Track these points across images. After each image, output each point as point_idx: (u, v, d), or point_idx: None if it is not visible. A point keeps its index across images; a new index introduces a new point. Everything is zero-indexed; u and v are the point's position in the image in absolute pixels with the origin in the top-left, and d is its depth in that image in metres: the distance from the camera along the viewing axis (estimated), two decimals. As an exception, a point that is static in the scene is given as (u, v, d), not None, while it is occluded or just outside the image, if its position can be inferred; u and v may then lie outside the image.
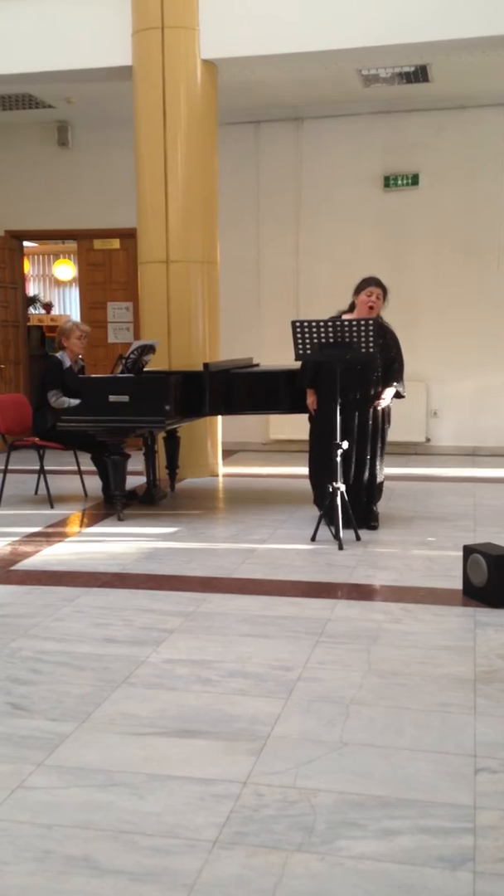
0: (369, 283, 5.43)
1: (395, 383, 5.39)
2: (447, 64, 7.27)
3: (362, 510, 5.43)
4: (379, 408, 5.35)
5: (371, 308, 5.36)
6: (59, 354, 6.48)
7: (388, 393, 5.39)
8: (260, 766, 2.54)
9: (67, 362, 6.40)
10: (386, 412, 5.46)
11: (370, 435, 5.37)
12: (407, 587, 4.35)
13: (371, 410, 5.34)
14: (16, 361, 9.76)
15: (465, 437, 8.85)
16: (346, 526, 5.12)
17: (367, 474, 5.41)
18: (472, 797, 2.36)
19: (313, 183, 8.93)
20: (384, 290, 5.43)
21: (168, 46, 6.79)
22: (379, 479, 5.48)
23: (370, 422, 5.35)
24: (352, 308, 5.46)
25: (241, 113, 8.58)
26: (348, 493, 5.24)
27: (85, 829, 2.23)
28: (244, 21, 6.75)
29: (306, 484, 5.73)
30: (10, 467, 6.50)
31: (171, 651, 3.46)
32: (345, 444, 5.11)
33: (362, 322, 5.02)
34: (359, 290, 5.45)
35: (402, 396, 5.52)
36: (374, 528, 5.46)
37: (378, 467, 5.44)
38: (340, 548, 5.00)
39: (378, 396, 5.34)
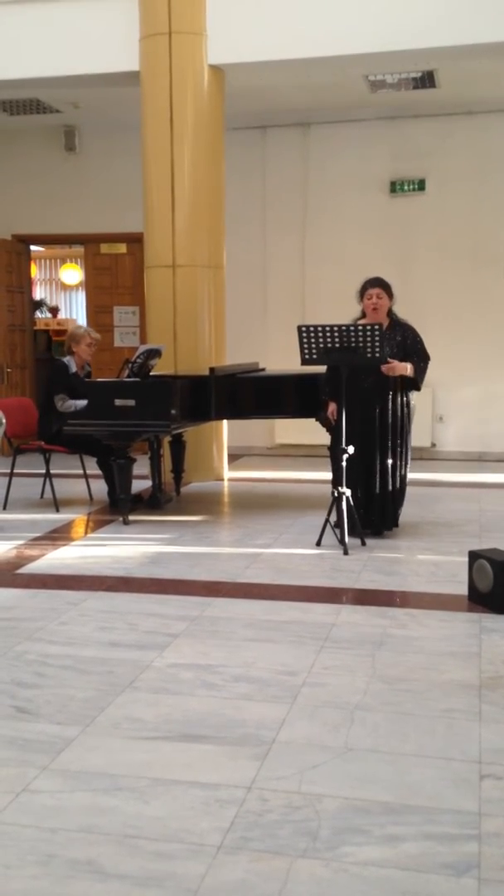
0: (366, 286, 5.38)
1: (411, 366, 5.25)
2: (454, 70, 7.28)
3: (382, 514, 5.37)
4: (389, 373, 5.17)
5: (375, 309, 5.33)
6: (66, 359, 6.49)
7: (403, 366, 5.20)
8: (264, 771, 2.54)
9: (74, 367, 6.41)
10: (404, 413, 5.34)
11: (383, 437, 5.29)
12: (412, 592, 4.35)
13: (382, 414, 5.27)
14: (22, 366, 9.77)
15: (471, 443, 8.84)
16: (351, 531, 5.11)
17: (389, 479, 5.30)
18: (478, 804, 2.35)
19: (320, 188, 8.94)
20: (385, 286, 5.36)
21: (175, 52, 6.81)
22: (396, 485, 5.36)
23: (378, 425, 5.30)
24: (363, 315, 5.43)
25: (248, 118, 8.60)
26: (370, 499, 5.24)
27: (89, 834, 2.22)
28: (251, 26, 6.76)
29: (311, 488, 5.74)
30: (15, 471, 6.50)
31: (176, 655, 3.46)
32: (350, 449, 5.10)
33: (368, 327, 5.01)
34: (360, 296, 5.40)
35: (418, 388, 5.40)
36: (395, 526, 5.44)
37: (398, 470, 5.34)
38: (346, 553, 4.99)
39: (389, 367, 5.17)
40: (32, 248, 10.48)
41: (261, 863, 2.10)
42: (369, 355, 5.02)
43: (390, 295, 5.37)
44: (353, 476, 5.23)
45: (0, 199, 9.55)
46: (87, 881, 2.04)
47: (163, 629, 3.77)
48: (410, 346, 5.32)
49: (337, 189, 8.89)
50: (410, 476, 5.51)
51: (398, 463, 5.34)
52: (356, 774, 2.51)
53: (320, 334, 5.05)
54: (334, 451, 5.35)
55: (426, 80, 7.56)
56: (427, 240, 8.76)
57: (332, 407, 5.38)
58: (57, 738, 2.75)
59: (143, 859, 2.12)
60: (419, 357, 5.34)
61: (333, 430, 5.47)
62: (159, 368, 6.47)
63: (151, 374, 6.24)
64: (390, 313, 5.39)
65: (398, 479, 5.36)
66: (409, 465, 5.45)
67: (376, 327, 5.00)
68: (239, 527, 5.89)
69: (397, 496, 5.40)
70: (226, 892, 2.00)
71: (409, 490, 5.56)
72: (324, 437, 5.92)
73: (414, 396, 5.45)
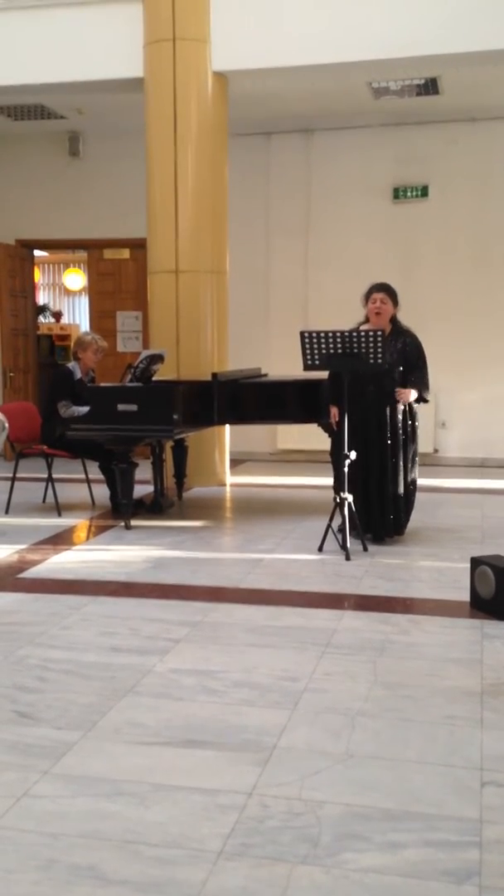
0: (372, 290, 5.41)
1: (413, 386, 5.28)
2: (457, 76, 7.29)
3: (389, 521, 5.37)
4: (399, 404, 5.23)
5: (378, 314, 5.34)
6: (70, 365, 6.51)
7: (409, 392, 5.25)
8: (265, 777, 2.54)
9: (78, 374, 6.42)
10: (408, 418, 5.36)
11: (389, 444, 5.29)
12: (414, 598, 4.34)
13: (386, 420, 5.29)
14: (25, 370, 9.79)
15: (474, 449, 8.83)
16: (353, 536, 5.11)
17: (390, 485, 5.31)
18: (479, 811, 2.35)
19: (323, 194, 8.95)
20: (390, 292, 5.37)
21: (179, 58, 6.82)
22: (401, 490, 5.37)
23: (380, 432, 5.30)
24: (367, 320, 5.44)
25: (251, 124, 8.61)
26: (372, 504, 5.24)
27: (90, 839, 2.22)
28: (255, 33, 6.78)
29: (313, 494, 5.73)
30: (18, 475, 6.51)
31: (178, 661, 3.46)
32: (352, 455, 5.11)
33: (371, 333, 5.02)
34: (365, 299, 5.42)
35: (426, 400, 5.44)
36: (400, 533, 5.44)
37: (402, 477, 5.35)
38: (348, 558, 4.99)
39: (395, 395, 5.22)
40: (36, 252, 10.50)
41: (261, 869, 2.10)
42: (371, 361, 5.03)
43: (395, 302, 5.39)
44: (355, 482, 5.23)
45: (4, 204, 9.58)
46: (88, 886, 2.04)
47: (164, 634, 3.77)
48: (411, 354, 5.32)
49: (340, 195, 8.90)
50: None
51: (402, 470, 5.34)
52: (357, 781, 2.51)
53: (322, 340, 5.07)
54: (336, 456, 5.36)
55: (429, 87, 7.58)
56: (430, 246, 8.77)
57: (334, 411, 5.39)
58: (58, 742, 2.75)
59: (143, 865, 2.12)
60: (420, 368, 5.34)
61: (335, 435, 5.47)
62: (162, 374, 6.48)
63: (154, 379, 6.25)
64: (394, 320, 5.40)
65: (402, 485, 5.36)
66: (416, 473, 5.45)
67: (379, 333, 5.02)
68: (241, 532, 5.89)
69: (401, 503, 5.39)
70: (226, 898, 2.00)
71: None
72: (326, 443, 5.93)
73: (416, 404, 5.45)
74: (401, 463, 5.33)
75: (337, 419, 5.33)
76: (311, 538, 5.43)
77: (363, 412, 5.23)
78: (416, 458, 5.46)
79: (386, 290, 5.37)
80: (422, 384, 5.33)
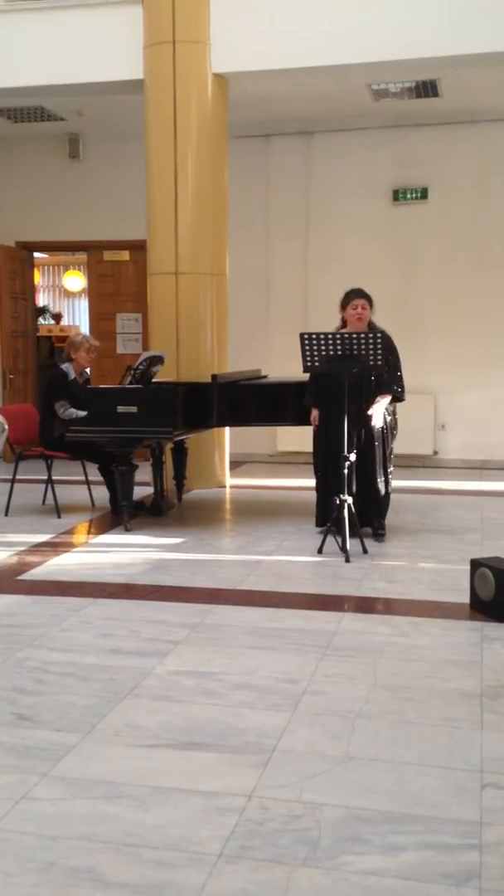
0: (351, 296, 5.50)
1: (386, 391, 5.38)
2: (457, 79, 7.29)
3: (365, 522, 5.42)
4: (372, 423, 5.33)
5: (359, 319, 5.42)
6: (64, 366, 6.51)
7: (379, 407, 5.35)
8: (265, 779, 2.53)
9: (72, 374, 6.42)
10: (387, 423, 5.45)
11: (367, 446, 5.37)
12: (414, 600, 4.34)
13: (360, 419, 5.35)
14: (25, 372, 9.79)
15: (473, 451, 8.82)
16: (353, 538, 5.11)
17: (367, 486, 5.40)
18: (479, 813, 2.35)
19: (323, 196, 8.96)
20: (369, 298, 5.50)
21: (179, 60, 6.83)
22: (382, 492, 5.46)
23: (363, 433, 5.37)
24: (344, 324, 5.50)
25: (251, 126, 8.62)
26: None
27: (89, 841, 2.22)
28: (255, 35, 6.78)
29: (313, 496, 5.72)
30: (17, 477, 6.50)
31: (177, 663, 3.46)
32: (352, 456, 5.11)
33: (370, 335, 5.05)
34: (344, 305, 5.52)
35: (402, 399, 5.51)
36: (381, 537, 5.45)
37: (380, 479, 5.43)
38: (347, 560, 4.99)
39: (367, 416, 5.31)
40: (36, 254, 10.49)
41: (261, 871, 2.10)
42: (371, 363, 5.07)
43: (372, 306, 5.51)
44: (332, 480, 5.25)
45: (4, 205, 9.59)
46: (87, 889, 2.04)
47: (164, 636, 3.76)
48: (384, 352, 5.34)
49: (340, 197, 8.90)
50: (412, 484, 5.53)
51: (376, 473, 5.39)
52: (357, 783, 2.51)
53: (322, 342, 5.09)
54: (317, 458, 5.50)
55: (429, 89, 7.58)
56: (429, 248, 8.77)
57: (314, 413, 5.50)
58: (57, 745, 2.75)
59: (143, 867, 2.12)
60: (393, 366, 5.40)
61: (316, 437, 5.58)
62: (162, 375, 6.48)
63: (154, 380, 6.25)
64: (369, 323, 5.49)
65: (376, 488, 5.42)
66: (390, 475, 5.49)
67: (378, 335, 5.05)
68: (241, 534, 5.89)
69: (379, 506, 5.46)
70: (226, 900, 1.99)
71: (411, 498, 5.59)
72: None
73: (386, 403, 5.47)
74: (377, 465, 5.38)
75: (316, 422, 5.48)
76: (310, 540, 5.43)
77: (339, 411, 5.25)
78: (388, 462, 5.51)
79: (366, 295, 5.51)
80: (395, 383, 5.41)
